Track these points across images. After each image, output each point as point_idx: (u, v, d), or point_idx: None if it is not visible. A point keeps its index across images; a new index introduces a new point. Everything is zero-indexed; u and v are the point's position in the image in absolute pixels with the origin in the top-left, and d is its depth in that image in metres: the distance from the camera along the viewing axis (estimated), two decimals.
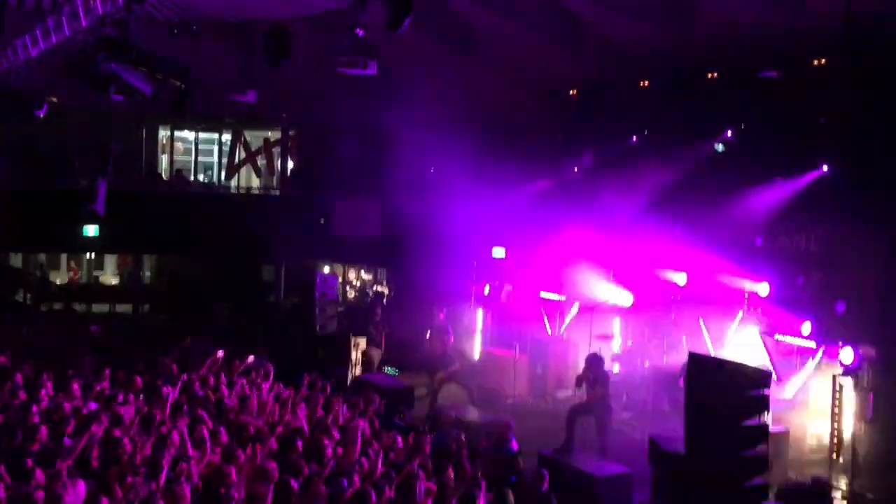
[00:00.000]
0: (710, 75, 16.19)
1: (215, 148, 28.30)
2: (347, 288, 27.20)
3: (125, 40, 10.90)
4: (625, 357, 17.83)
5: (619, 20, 15.74)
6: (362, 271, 27.39)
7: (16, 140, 22.26)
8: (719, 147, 16.37)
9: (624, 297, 17.03)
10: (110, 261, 29.51)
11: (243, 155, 27.66)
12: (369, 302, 24.22)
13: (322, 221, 23.70)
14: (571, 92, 19.34)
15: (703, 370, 11.36)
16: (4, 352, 14.85)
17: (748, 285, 15.16)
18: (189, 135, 28.18)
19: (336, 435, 10.76)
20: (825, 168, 14.79)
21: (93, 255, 28.59)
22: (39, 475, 8.50)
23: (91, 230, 21.88)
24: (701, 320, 16.31)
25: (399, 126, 20.35)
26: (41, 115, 12.99)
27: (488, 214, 19.36)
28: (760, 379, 10.74)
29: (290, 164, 27.77)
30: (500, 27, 16.72)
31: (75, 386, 12.38)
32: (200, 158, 28.31)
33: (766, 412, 10.57)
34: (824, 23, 13.27)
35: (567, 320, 19.11)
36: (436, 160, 20.31)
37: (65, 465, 8.95)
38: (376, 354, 19.68)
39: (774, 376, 13.70)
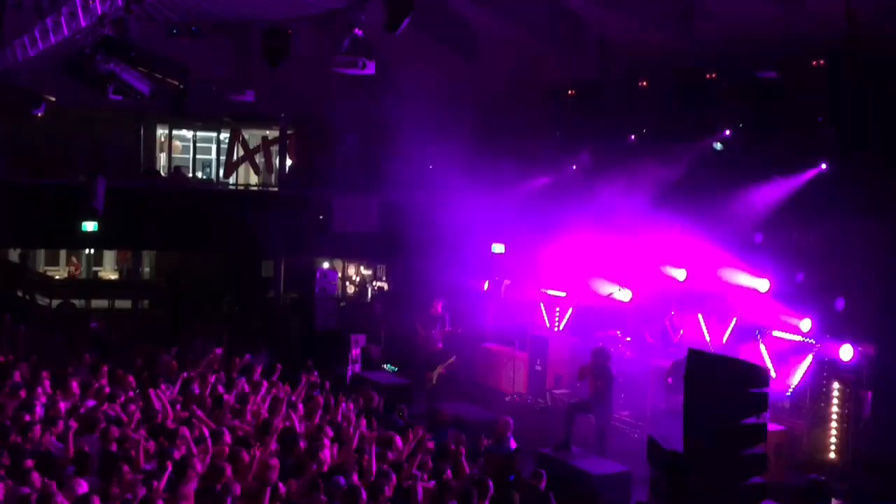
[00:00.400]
0: (708, 75, 16.16)
1: (213, 146, 28.31)
2: (347, 283, 27.23)
3: (124, 40, 10.90)
4: (623, 354, 17.84)
5: (619, 20, 15.72)
6: (362, 267, 27.40)
7: (15, 137, 22.23)
8: (718, 146, 16.37)
9: (623, 294, 17.05)
10: (109, 256, 29.51)
11: (241, 153, 27.67)
12: (370, 299, 24.28)
13: (321, 218, 23.70)
14: (570, 91, 19.33)
15: (702, 367, 11.34)
16: (3, 349, 14.91)
17: (748, 281, 15.16)
18: (187, 133, 28.19)
19: (331, 433, 10.77)
20: (823, 166, 14.79)
21: (92, 250, 28.59)
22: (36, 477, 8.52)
23: (90, 226, 21.86)
24: (700, 317, 16.34)
25: (398, 123, 20.33)
26: (40, 114, 12.98)
27: (487, 211, 19.35)
28: (759, 377, 10.72)
29: (289, 162, 27.77)
30: (500, 26, 16.71)
31: (74, 384, 12.41)
32: (198, 156, 28.31)
33: (765, 411, 10.58)
34: (823, 23, 13.26)
35: (566, 317, 19.15)
36: (435, 157, 20.29)
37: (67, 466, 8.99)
38: (376, 351, 19.70)
39: (773, 374, 13.74)
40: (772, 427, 11.56)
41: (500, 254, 20.36)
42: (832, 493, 12.41)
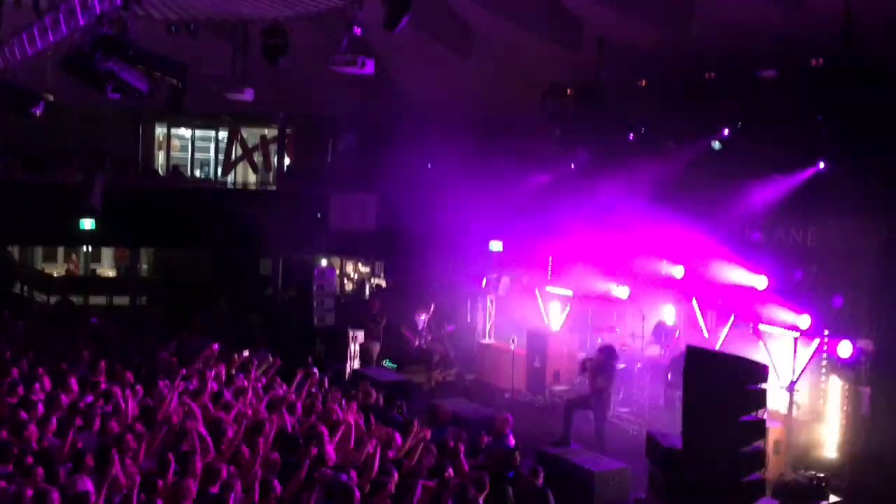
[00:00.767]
0: (707, 74, 16.16)
1: (212, 145, 28.30)
2: (345, 280, 27.23)
3: (123, 39, 10.90)
4: (622, 351, 17.85)
5: (618, 19, 15.73)
6: (360, 264, 27.41)
7: (14, 136, 22.23)
8: (716, 145, 16.39)
9: (621, 291, 17.06)
10: (107, 254, 29.52)
11: (240, 152, 27.66)
12: (367, 296, 24.28)
13: (319, 216, 23.71)
14: (568, 90, 19.32)
15: (701, 364, 11.37)
16: (1, 345, 14.90)
17: (746, 279, 15.18)
18: (186, 132, 28.17)
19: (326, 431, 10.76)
20: (822, 165, 14.81)
21: (90, 248, 28.60)
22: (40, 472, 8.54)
23: (88, 224, 21.88)
24: (698, 314, 16.36)
25: (397, 121, 20.36)
26: (38, 113, 12.97)
27: (485, 208, 19.37)
28: (758, 373, 10.75)
29: (287, 161, 27.77)
30: (499, 24, 16.72)
31: (72, 380, 12.42)
32: (197, 155, 28.33)
33: (763, 407, 10.60)
34: (823, 22, 13.27)
35: (565, 314, 19.16)
36: (433, 155, 20.31)
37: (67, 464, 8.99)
38: (375, 348, 19.70)
39: (772, 371, 13.75)
40: (770, 423, 11.57)
41: (498, 252, 20.36)
42: (830, 490, 12.45)
